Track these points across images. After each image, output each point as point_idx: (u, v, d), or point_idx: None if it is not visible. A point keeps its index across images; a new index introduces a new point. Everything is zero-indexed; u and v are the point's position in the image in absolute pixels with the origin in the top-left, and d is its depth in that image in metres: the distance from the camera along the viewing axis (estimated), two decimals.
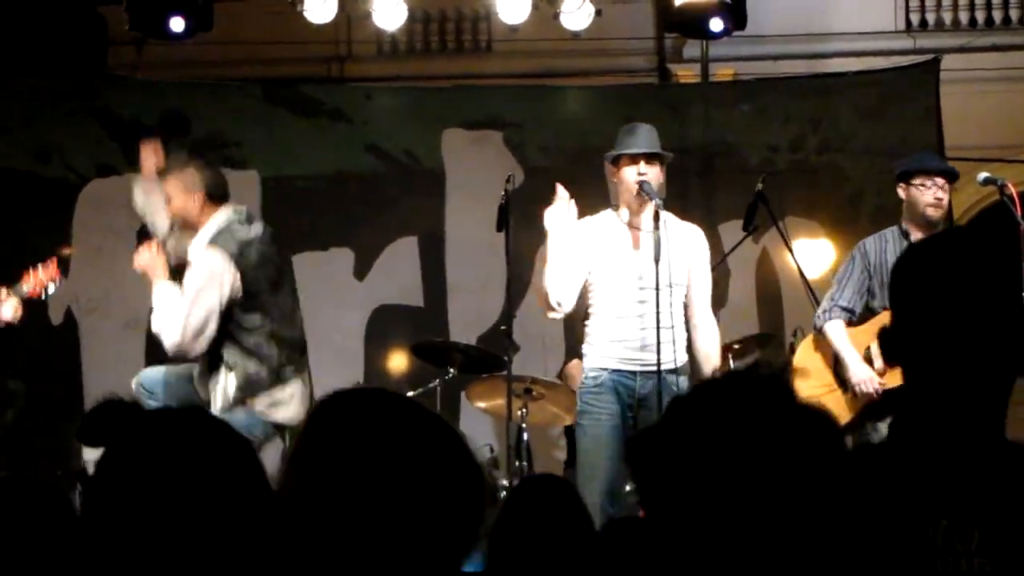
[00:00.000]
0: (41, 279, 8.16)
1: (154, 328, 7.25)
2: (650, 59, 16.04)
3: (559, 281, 7.11)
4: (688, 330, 7.31)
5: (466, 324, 10.63)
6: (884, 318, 6.75)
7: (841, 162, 11.00)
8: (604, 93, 11.97)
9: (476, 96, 11.75)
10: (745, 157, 10.99)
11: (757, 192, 8.55)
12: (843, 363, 7.53)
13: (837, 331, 7.57)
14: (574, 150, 10.40)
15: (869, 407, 7.41)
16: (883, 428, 7.35)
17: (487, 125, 11.03)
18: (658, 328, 6.97)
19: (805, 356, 7.84)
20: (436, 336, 10.12)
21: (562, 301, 7.15)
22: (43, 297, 8.32)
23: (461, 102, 11.45)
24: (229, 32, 12.48)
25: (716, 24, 9.92)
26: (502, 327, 7.99)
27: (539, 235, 9.85)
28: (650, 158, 7.21)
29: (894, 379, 7.32)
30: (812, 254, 10.24)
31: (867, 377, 7.41)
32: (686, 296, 7.30)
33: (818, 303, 7.89)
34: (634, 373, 7.10)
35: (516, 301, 9.36)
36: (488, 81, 13.57)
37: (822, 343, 7.72)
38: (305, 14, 10.14)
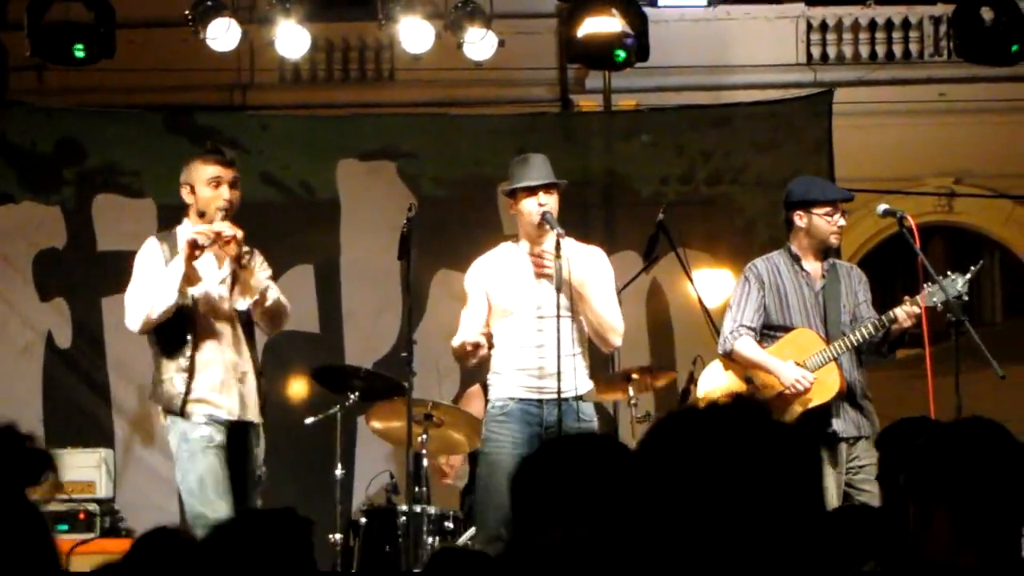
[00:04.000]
0: None
1: None
2: (553, 89, 16.24)
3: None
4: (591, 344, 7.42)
5: (362, 350, 10.59)
6: (797, 337, 7.44)
7: (734, 194, 11.12)
8: (502, 122, 11.93)
9: (371, 125, 11.75)
10: (637, 189, 11.07)
11: (658, 222, 8.53)
12: (769, 369, 7.54)
13: (750, 345, 7.60)
14: (470, 180, 10.47)
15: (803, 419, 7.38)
16: None
17: (381, 155, 11.05)
18: (559, 356, 7.06)
19: (714, 380, 7.80)
20: (332, 362, 10.03)
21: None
22: None
23: (356, 131, 11.48)
24: (131, 59, 12.57)
25: (619, 55, 10.04)
26: (403, 353, 8.00)
27: (433, 263, 10.11)
28: (548, 188, 7.28)
29: (820, 395, 7.46)
30: (707, 284, 10.20)
31: (799, 374, 7.44)
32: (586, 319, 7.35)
33: (718, 332, 7.89)
34: (540, 402, 7.17)
35: (415, 327, 9.44)
36: (391, 110, 13.57)
37: (730, 365, 7.73)
38: (208, 42, 10.22)
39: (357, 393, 8.96)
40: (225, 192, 7.24)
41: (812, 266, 7.64)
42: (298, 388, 10.75)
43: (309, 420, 9.29)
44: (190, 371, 7.24)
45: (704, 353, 8.46)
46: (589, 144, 11.35)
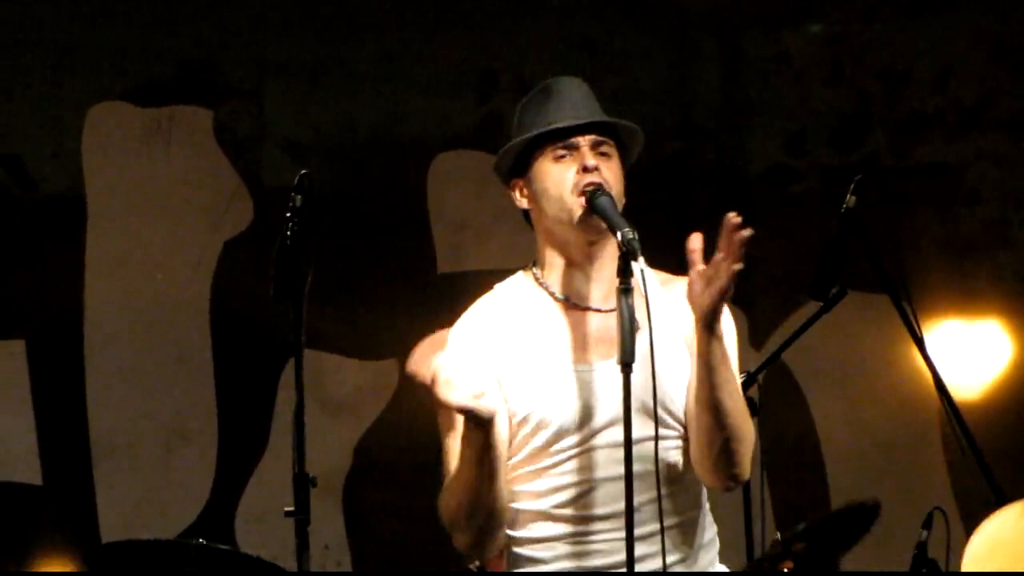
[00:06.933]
0: None
1: None
2: None
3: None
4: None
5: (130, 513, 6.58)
6: None
7: (955, 158, 6.86)
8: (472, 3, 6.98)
9: (153, 20, 6.71)
10: (752, 154, 6.98)
11: (844, 212, 5.24)
12: None
13: None
14: (377, 147, 6.59)
15: None
16: None
17: (178, 92, 6.65)
18: (629, 533, 3.78)
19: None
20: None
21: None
22: None
23: (122, 40, 6.69)
24: None
25: None
26: (285, 508, 4.09)
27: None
28: (600, 136, 4.02)
29: None
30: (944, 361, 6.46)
31: None
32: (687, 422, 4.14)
33: (969, 442, 5.36)
34: None
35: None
36: None
37: None
38: None
39: None
40: None
41: None
42: None
43: None
44: None
45: (946, 501, 6.07)
46: (703, 48, 7.06)
